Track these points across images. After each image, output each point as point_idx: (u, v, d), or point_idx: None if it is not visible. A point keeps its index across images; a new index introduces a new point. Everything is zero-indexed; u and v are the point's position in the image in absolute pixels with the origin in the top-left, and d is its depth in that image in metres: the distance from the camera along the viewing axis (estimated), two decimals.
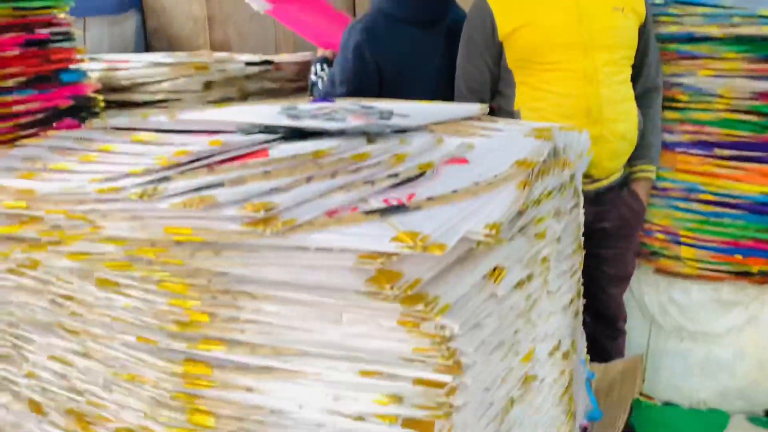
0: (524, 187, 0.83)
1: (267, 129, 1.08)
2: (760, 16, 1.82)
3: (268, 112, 1.26)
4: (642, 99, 1.81)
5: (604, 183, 1.79)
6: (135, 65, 1.75)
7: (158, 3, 2.52)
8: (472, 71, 1.79)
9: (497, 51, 1.75)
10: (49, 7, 1.37)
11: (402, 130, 1.11)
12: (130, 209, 0.77)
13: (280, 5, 2.16)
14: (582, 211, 1.15)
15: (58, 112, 1.37)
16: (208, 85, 1.80)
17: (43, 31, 1.37)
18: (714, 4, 1.88)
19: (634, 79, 1.80)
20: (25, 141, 1.15)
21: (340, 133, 1.05)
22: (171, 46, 2.51)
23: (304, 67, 2.25)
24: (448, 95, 1.85)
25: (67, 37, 1.42)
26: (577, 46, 1.68)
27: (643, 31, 1.77)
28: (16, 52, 1.27)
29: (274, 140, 1.03)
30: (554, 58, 1.69)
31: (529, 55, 1.72)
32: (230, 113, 1.31)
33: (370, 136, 1.04)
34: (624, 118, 1.74)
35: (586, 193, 1.24)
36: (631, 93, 1.78)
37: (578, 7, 1.68)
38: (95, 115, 1.47)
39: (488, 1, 1.73)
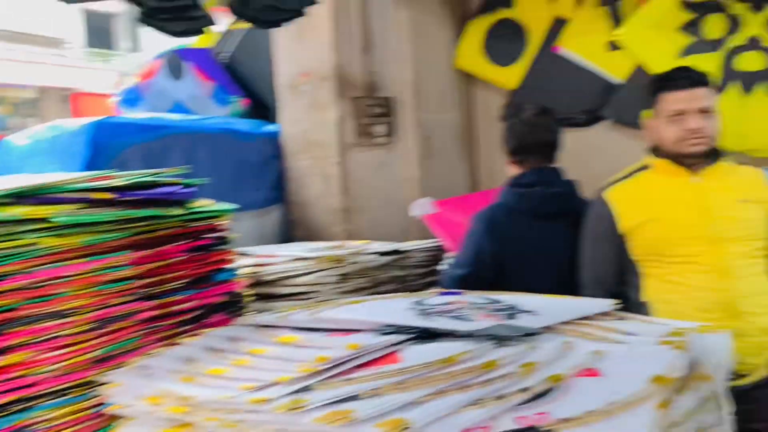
0: (663, 408, 0.81)
1: (399, 329, 1.14)
2: None
3: (400, 309, 1.33)
4: None
5: (750, 379, 1.66)
6: (280, 259, 1.93)
7: (300, 198, 2.81)
8: (595, 262, 1.81)
9: (620, 243, 1.77)
10: (214, 216, 1.58)
11: (531, 333, 1.13)
12: (277, 421, 0.83)
13: (444, 212, 2.38)
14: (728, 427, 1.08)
15: (210, 308, 1.52)
16: (343, 277, 1.94)
17: (207, 237, 1.57)
18: None
19: None
20: (182, 339, 1.28)
21: (468, 335, 1.08)
22: (310, 234, 2.75)
23: (433, 252, 2.37)
24: (573, 286, 1.86)
25: (225, 240, 1.61)
26: (704, 240, 1.66)
27: None
28: (183, 257, 1.47)
29: (406, 341, 1.09)
30: (682, 251, 1.68)
31: (655, 249, 1.72)
32: (364, 310, 1.40)
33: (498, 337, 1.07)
34: (766, 311, 1.65)
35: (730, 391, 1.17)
36: None
37: (702, 201, 1.69)
38: (243, 308, 1.61)
39: (607, 197, 1.78)
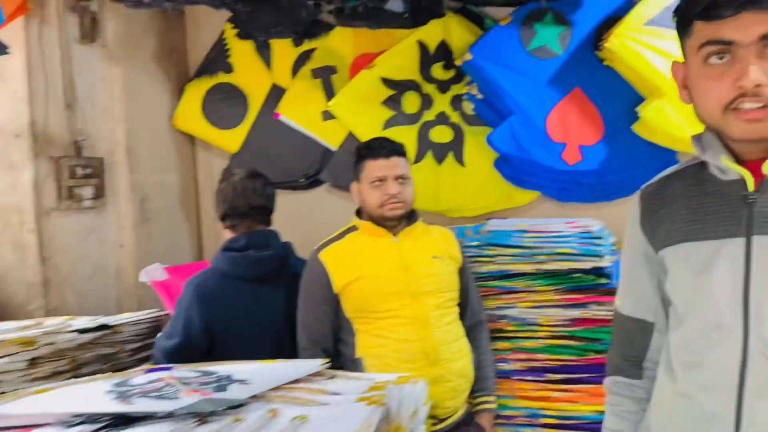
0: None
1: (90, 418, 1.03)
2: (559, 253, 2.09)
3: (96, 393, 1.20)
4: (471, 334, 1.95)
5: (449, 422, 1.83)
6: None
7: None
8: (313, 323, 1.85)
9: (335, 302, 1.84)
10: None
11: (237, 404, 1.09)
12: None
13: (176, 279, 2.22)
14: None
15: None
16: (34, 361, 1.69)
17: None
18: (521, 245, 2.15)
19: (461, 316, 1.95)
20: None
21: (169, 415, 1.01)
22: (0, 314, 2.37)
23: (150, 324, 2.21)
24: (292, 346, 1.88)
25: None
26: (405, 295, 1.81)
27: (462, 273, 1.96)
28: None
29: (98, 430, 0.98)
30: (387, 306, 1.80)
31: (364, 306, 1.82)
32: (52, 399, 1.23)
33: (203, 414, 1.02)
34: (459, 357, 1.85)
35: None
36: (461, 331, 1.91)
37: (402, 258, 1.85)
38: None
39: (321, 258, 1.86)
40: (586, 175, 2.47)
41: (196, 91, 3.01)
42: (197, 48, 3.11)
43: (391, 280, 1.82)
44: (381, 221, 1.88)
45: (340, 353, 1.87)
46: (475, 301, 2.00)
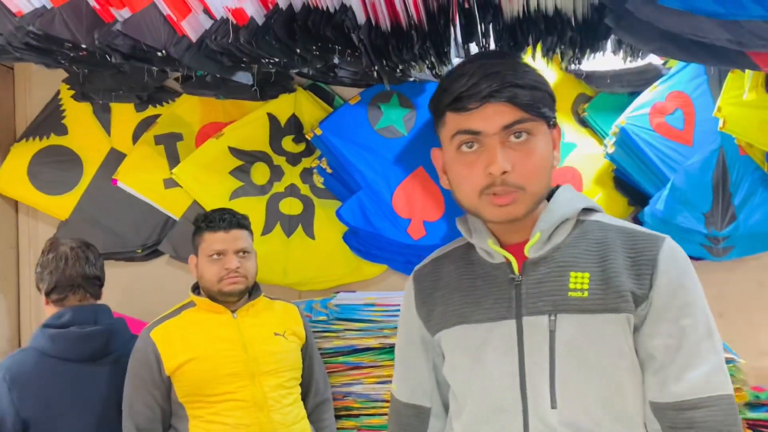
0: None
1: None
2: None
3: None
4: (315, 414, 1.88)
5: None
6: None
7: None
8: (140, 409, 1.69)
9: (166, 386, 1.70)
10: None
11: None
12: None
13: None
14: None
15: None
16: None
17: None
18: (367, 319, 2.14)
19: (305, 395, 1.88)
20: None
21: None
22: None
23: None
24: None
25: None
26: (244, 375, 1.72)
27: (305, 350, 1.90)
28: None
29: None
30: (223, 389, 1.69)
31: (198, 389, 1.70)
32: None
33: None
34: None
35: None
36: (303, 413, 1.83)
37: (241, 336, 1.76)
38: None
39: (152, 337, 1.72)
40: (429, 249, 2.51)
41: (23, 152, 2.76)
42: (27, 107, 2.87)
43: (229, 360, 1.72)
44: (219, 297, 1.79)
45: None
46: (320, 380, 1.94)
